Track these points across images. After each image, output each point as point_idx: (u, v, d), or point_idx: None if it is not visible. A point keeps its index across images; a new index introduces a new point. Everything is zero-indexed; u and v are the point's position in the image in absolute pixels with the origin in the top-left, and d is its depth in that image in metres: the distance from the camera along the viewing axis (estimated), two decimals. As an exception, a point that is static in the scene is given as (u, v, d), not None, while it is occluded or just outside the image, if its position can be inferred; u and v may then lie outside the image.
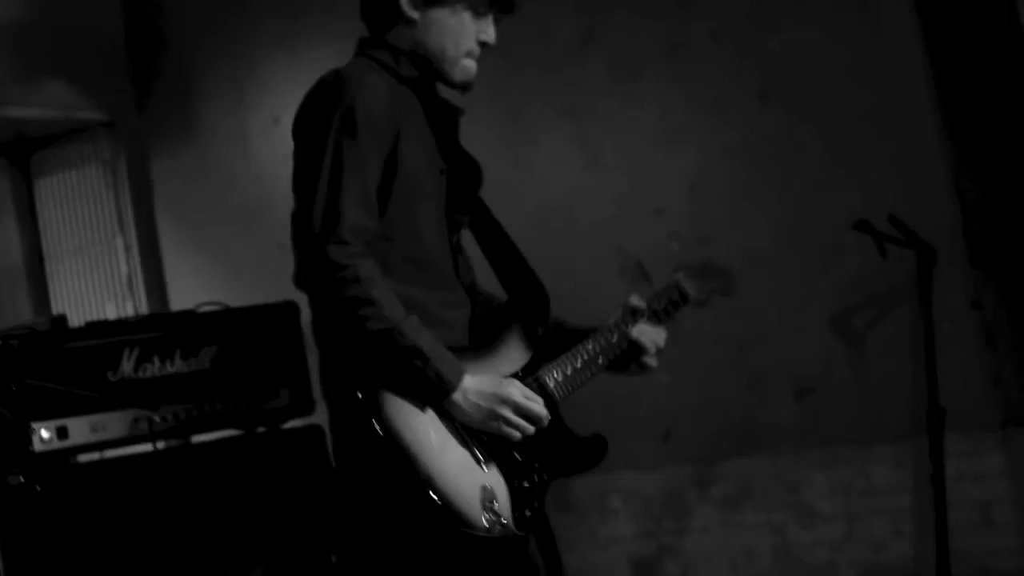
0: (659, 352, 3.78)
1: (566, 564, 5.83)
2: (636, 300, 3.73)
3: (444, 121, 3.55)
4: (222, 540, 5.10)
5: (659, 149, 5.81)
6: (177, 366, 5.28)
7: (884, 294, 5.32)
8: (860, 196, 5.29)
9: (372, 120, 3.27)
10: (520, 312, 3.64)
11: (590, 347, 3.65)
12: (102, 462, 5.56)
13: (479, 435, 3.31)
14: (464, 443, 3.28)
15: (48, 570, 4.94)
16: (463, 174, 3.59)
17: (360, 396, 3.22)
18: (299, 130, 3.38)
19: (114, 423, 5.23)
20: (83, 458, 5.37)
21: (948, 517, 4.87)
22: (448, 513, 3.16)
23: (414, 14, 3.40)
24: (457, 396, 3.26)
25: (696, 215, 5.70)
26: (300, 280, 3.28)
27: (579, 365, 3.60)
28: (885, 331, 5.37)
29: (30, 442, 5.07)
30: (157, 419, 5.32)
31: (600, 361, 3.67)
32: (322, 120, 3.28)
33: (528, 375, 3.47)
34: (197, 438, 5.63)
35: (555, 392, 3.50)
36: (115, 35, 7.20)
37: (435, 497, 3.15)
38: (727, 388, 5.68)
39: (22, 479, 5.08)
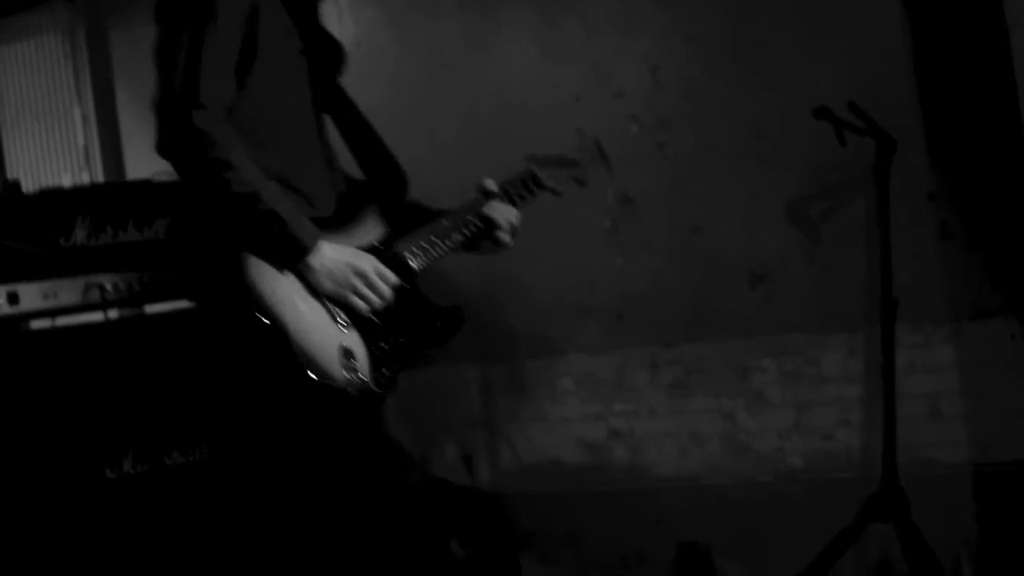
0: (513, 230, 4.06)
1: (515, 444, 5.94)
2: (489, 183, 4.03)
3: (300, 3, 3.75)
4: (171, 414, 5.10)
5: (620, 32, 5.75)
6: (131, 235, 5.23)
7: (841, 183, 5.30)
8: (820, 84, 5.24)
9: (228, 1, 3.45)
10: (378, 191, 3.88)
11: (444, 223, 3.90)
12: (53, 330, 5.55)
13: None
14: (324, 305, 3.52)
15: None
16: (323, 55, 3.82)
17: (225, 261, 3.43)
18: (161, 10, 3.53)
19: (66, 290, 5.18)
20: (35, 325, 5.38)
21: (897, 408, 4.88)
22: (310, 367, 3.39)
23: None
24: (313, 260, 3.48)
25: (656, 100, 5.66)
26: (163, 148, 3.45)
27: (434, 239, 3.85)
28: (841, 221, 5.35)
29: (-21, 306, 5.05)
30: (109, 287, 5.30)
31: (455, 236, 3.92)
32: (181, 2, 3.46)
33: (386, 248, 3.72)
34: (150, 309, 5.60)
35: (412, 263, 3.76)
36: None
37: (296, 351, 3.38)
38: (681, 273, 5.67)
39: (-29, 343, 5.07)
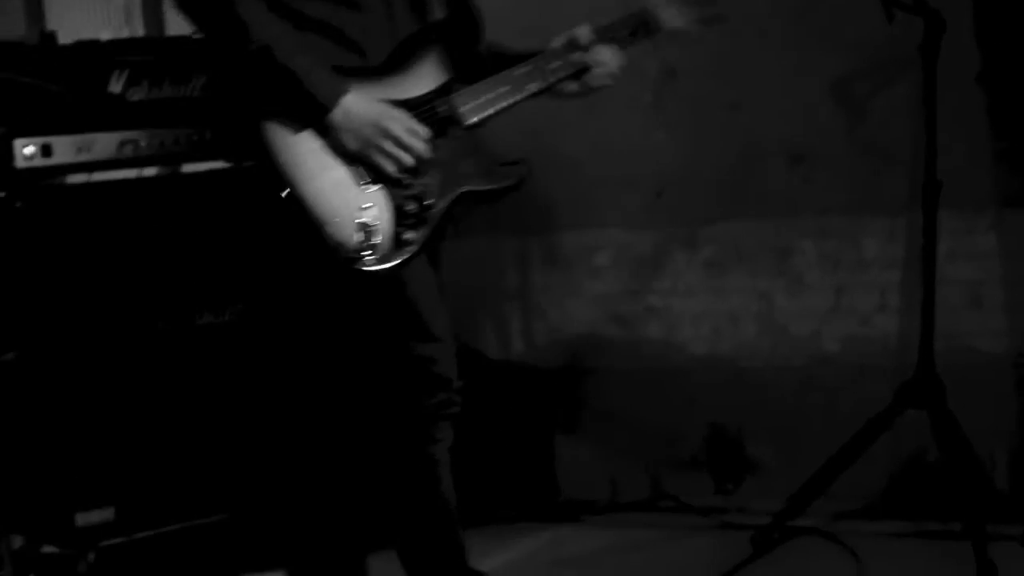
0: (612, 75, 3.81)
1: (550, 318, 5.86)
2: (582, 32, 3.75)
3: None
4: (203, 276, 5.08)
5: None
6: (167, 91, 5.17)
7: (888, 61, 5.16)
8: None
9: None
10: (447, 34, 3.65)
11: (521, 72, 3.68)
12: (87, 185, 5.52)
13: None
14: (347, 166, 3.38)
15: (24, 285, 4.94)
16: None
17: (242, 117, 3.35)
18: None
19: (100, 144, 5.16)
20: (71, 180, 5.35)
21: (936, 295, 4.78)
22: (323, 233, 3.31)
23: None
24: (337, 117, 3.33)
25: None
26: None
27: (501, 89, 3.63)
28: (886, 101, 5.23)
29: (12, 158, 5.02)
30: (144, 144, 5.26)
31: (529, 87, 3.69)
32: None
33: (440, 97, 3.53)
34: (186, 168, 5.56)
35: (465, 115, 3.57)
36: None
37: (310, 215, 3.30)
38: (721, 150, 5.55)
39: (3, 195, 5.04)
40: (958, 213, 5.07)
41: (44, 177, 5.09)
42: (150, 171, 5.28)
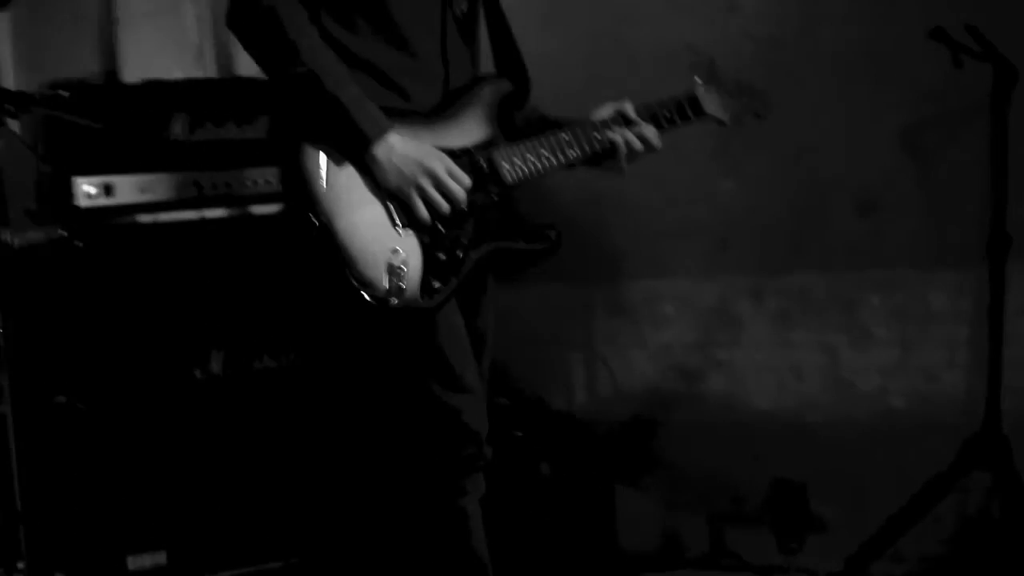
0: (634, 153, 3.78)
1: (614, 369, 5.80)
2: (628, 108, 3.74)
3: None
4: (262, 320, 5.05)
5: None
6: (231, 132, 5.16)
7: (958, 110, 5.04)
8: (939, 4, 4.95)
9: None
10: (497, 90, 3.65)
11: (561, 136, 3.64)
12: (148, 225, 5.52)
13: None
14: (384, 204, 3.34)
15: (82, 326, 4.93)
16: None
17: (285, 143, 3.34)
18: None
19: (163, 185, 5.16)
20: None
21: (1005, 352, 4.69)
22: (351, 270, 3.28)
23: None
24: (379, 152, 3.30)
25: (769, 14, 5.40)
26: (230, 19, 3.40)
27: (543, 151, 3.61)
28: (957, 150, 5.10)
29: (73, 196, 5.02)
30: (206, 185, 5.25)
31: (570, 153, 3.66)
32: None
33: (483, 152, 3.52)
34: (250, 210, 5.54)
35: (506, 174, 3.54)
36: None
37: (339, 253, 3.27)
38: (789, 199, 5.45)
39: (63, 233, 5.05)
40: (1028, 267, 4.94)
41: (105, 217, 5.10)
42: (212, 212, 5.29)
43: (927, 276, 5.23)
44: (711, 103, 3.90)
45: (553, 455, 5.41)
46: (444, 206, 3.38)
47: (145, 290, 4.98)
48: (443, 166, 3.38)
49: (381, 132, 3.33)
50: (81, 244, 4.94)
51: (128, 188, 5.05)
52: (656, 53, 5.37)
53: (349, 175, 3.32)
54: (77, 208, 4.98)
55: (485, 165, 3.53)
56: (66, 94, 4.99)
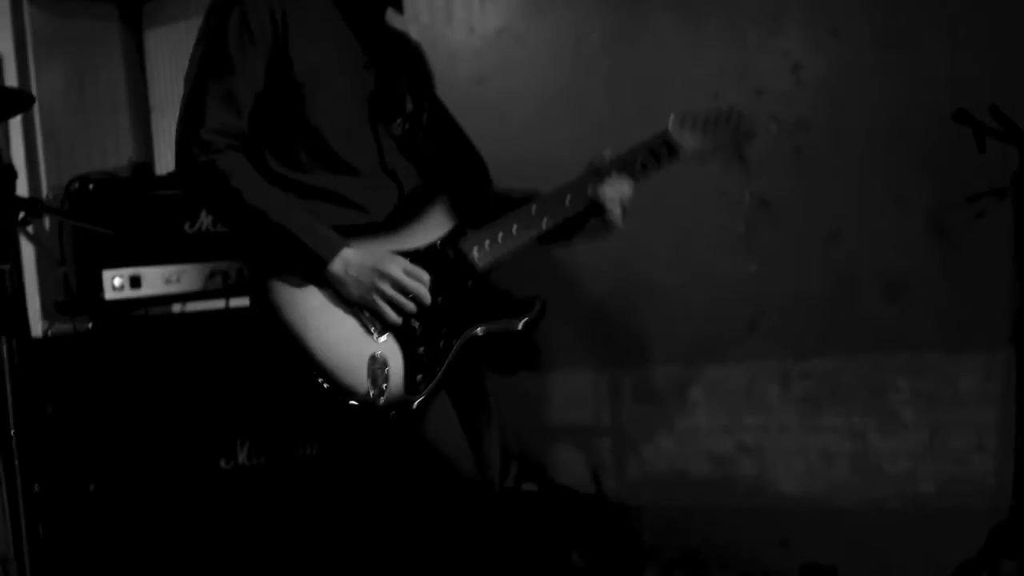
0: (623, 206, 3.70)
1: (641, 453, 5.76)
2: (598, 158, 3.72)
3: (367, 16, 3.71)
4: (282, 408, 5.05)
5: (762, 27, 5.52)
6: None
7: (985, 192, 4.98)
8: (964, 85, 4.96)
9: (247, 29, 3.45)
10: (453, 185, 3.72)
11: (531, 210, 3.66)
12: (175, 316, 5.54)
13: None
14: (355, 314, 3.43)
15: (109, 415, 4.95)
16: (391, 61, 3.74)
17: (250, 280, 3.48)
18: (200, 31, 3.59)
19: (189, 276, 5.19)
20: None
21: (1032, 436, 4.62)
22: (334, 383, 3.33)
23: None
24: (337, 268, 3.40)
25: (796, 98, 5.39)
26: (178, 177, 3.52)
27: (513, 228, 3.64)
28: (984, 232, 5.04)
29: (101, 288, 5.06)
30: (232, 275, 5.28)
31: (543, 222, 3.66)
32: (204, 28, 3.55)
33: (448, 244, 3.60)
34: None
35: (476, 260, 3.61)
36: None
37: (318, 372, 3.33)
38: (816, 282, 5.42)
39: (91, 326, 5.08)
40: (1056, 349, 4.86)
41: (132, 308, 5.14)
42: (237, 302, 5.32)
43: (955, 359, 5.18)
44: (687, 138, 3.77)
45: (582, 541, 5.39)
46: (408, 305, 3.45)
47: (172, 379, 5.01)
48: (398, 266, 3.45)
49: (334, 250, 3.42)
50: (107, 335, 4.98)
51: (155, 279, 5.10)
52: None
53: (315, 297, 3.41)
54: (103, 300, 5.03)
55: (452, 255, 3.61)
56: (92, 187, 5.05)
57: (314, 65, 3.52)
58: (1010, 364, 4.79)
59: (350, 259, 3.41)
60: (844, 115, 5.30)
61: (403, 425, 3.40)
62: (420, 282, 3.46)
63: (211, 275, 5.25)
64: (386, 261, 3.43)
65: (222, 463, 5.07)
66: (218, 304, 5.34)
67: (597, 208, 3.68)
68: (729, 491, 5.66)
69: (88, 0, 7.13)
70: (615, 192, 3.66)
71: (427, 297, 3.46)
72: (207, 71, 3.46)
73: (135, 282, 5.13)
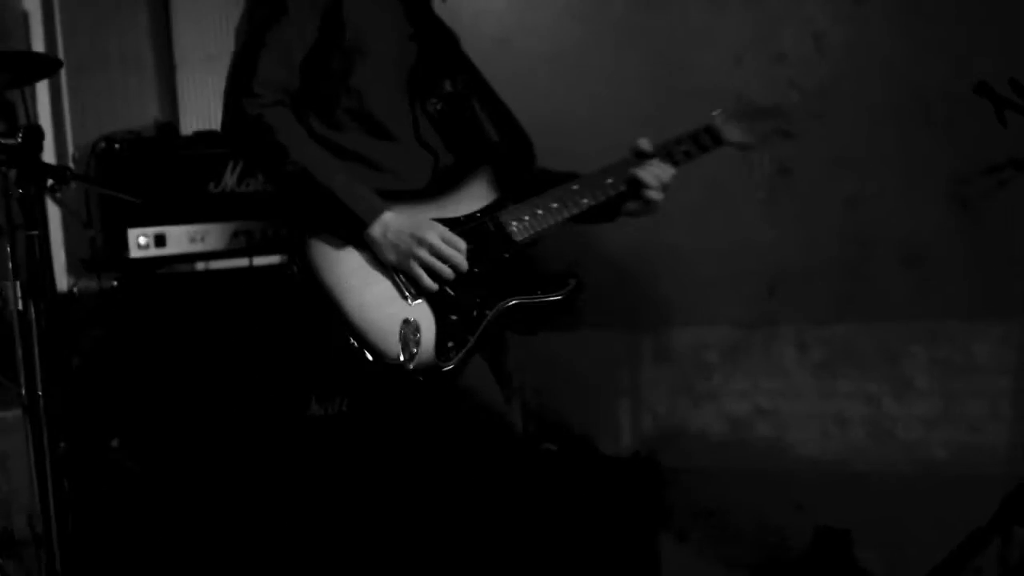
0: (664, 188, 3.77)
1: (659, 414, 5.82)
2: (644, 143, 3.76)
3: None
4: (306, 364, 5.11)
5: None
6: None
7: (1005, 163, 5.01)
8: (988, 57, 4.96)
9: None
10: (497, 156, 3.77)
11: (572, 188, 3.71)
12: (199, 273, 5.60)
13: None
14: (392, 279, 3.48)
15: (134, 372, 5.02)
16: (433, 40, 3.78)
17: (289, 238, 3.51)
18: None
19: (213, 235, 5.25)
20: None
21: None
22: (365, 344, 3.37)
23: None
24: (376, 232, 3.44)
25: (818, 65, 5.39)
26: (224, 130, 3.57)
27: (552, 204, 3.68)
28: (1004, 202, 5.07)
29: (127, 247, 5.12)
30: (256, 234, 5.34)
31: (583, 200, 3.72)
32: None
33: (488, 215, 3.65)
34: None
35: (514, 231, 3.65)
36: None
37: (351, 333, 3.38)
38: (834, 249, 5.44)
39: (116, 283, 5.14)
40: (1075, 317, 4.91)
41: (157, 266, 5.20)
42: (262, 260, 5.37)
43: (971, 327, 5.22)
44: (732, 131, 3.85)
45: (600, 498, 5.44)
46: (445, 271, 3.48)
47: (197, 335, 5.08)
48: (436, 234, 3.48)
49: (375, 213, 3.46)
50: (133, 293, 5.05)
51: (180, 238, 5.17)
52: (704, 103, 5.41)
53: (352, 259, 3.46)
54: (129, 259, 5.09)
55: (492, 226, 3.64)
56: (118, 147, 5.10)
57: (364, 30, 3.55)
58: (1025, 333, 4.85)
59: (389, 223, 3.44)
60: (865, 84, 5.30)
61: (432, 389, 3.45)
62: (457, 250, 3.49)
63: (235, 234, 5.31)
64: (424, 227, 3.46)
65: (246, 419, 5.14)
66: (242, 263, 5.41)
67: (637, 189, 3.73)
68: (745, 454, 5.69)
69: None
70: (655, 175, 3.72)
71: (463, 265, 3.49)
72: (262, 23, 3.49)
73: (160, 241, 5.19)
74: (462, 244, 3.51)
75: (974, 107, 4.68)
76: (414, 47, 3.71)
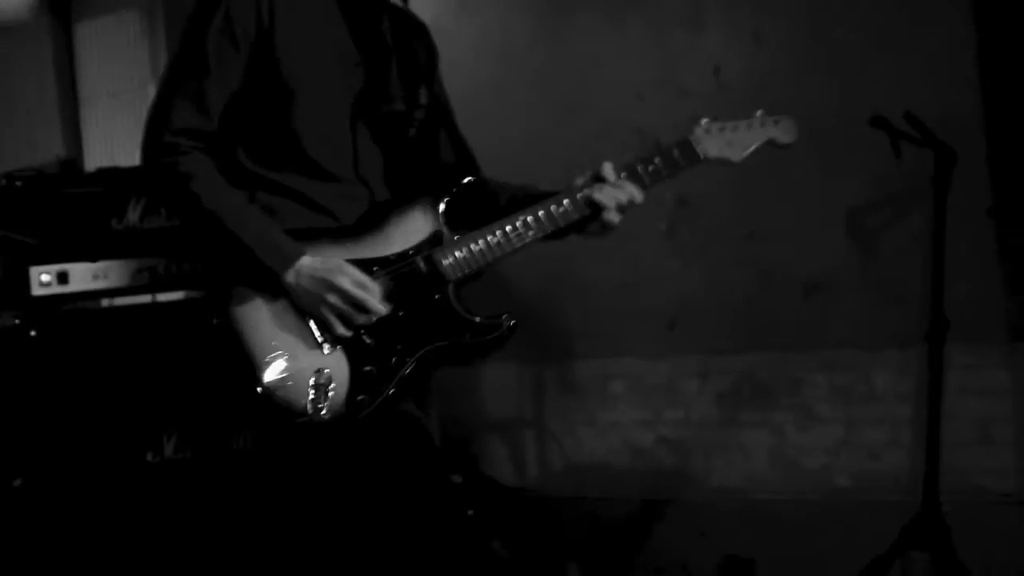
0: (622, 209, 3.55)
1: (564, 446, 5.82)
2: (608, 169, 3.55)
3: (364, 13, 3.58)
4: (210, 399, 5.09)
5: (686, 29, 5.63)
6: (183, 218, 5.24)
7: (902, 194, 5.13)
8: (882, 91, 5.08)
9: (228, 27, 3.39)
10: (441, 185, 3.58)
11: (522, 218, 3.51)
12: (100, 310, 5.56)
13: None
14: (307, 324, 3.34)
15: (35, 410, 4.98)
16: (385, 57, 3.62)
17: (207, 286, 3.38)
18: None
19: (116, 272, 5.22)
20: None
21: (946, 431, 4.70)
22: (276, 400, 3.27)
23: None
24: (290, 279, 3.32)
25: (719, 101, 5.48)
26: (141, 176, 3.46)
27: (496, 238, 3.49)
28: (900, 233, 5.20)
29: (28, 285, 5.09)
30: (160, 270, 5.32)
31: (529, 233, 3.51)
32: (189, 19, 3.44)
33: (425, 250, 3.46)
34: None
35: (448, 270, 3.45)
36: None
37: (258, 386, 3.27)
38: (735, 280, 5.53)
39: (17, 322, 5.11)
40: (968, 347, 5.01)
41: (59, 304, 5.16)
42: (165, 296, 5.36)
43: (871, 356, 5.32)
44: (713, 143, 3.72)
45: (505, 532, 5.45)
46: (357, 318, 3.35)
47: (97, 372, 5.04)
48: (348, 278, 3.35)
49: (287, 261, 3.35)
50: (34, 332, 5.01)
51: (82, 275, 5.12)
52: (606, 137, 5.47)
53: (271, 305, 3.35)
54: (31, 296, 5.06)
55: (423, 264, 3.47)
56: (19, 184, 5.08)
57: (300, 67, 3.46)
58: (924, 361, 4.89)
59: (302, 268, 3.33)
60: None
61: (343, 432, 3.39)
62: (369, 294, 3.35)
63: (139, 271, 5.29)
64: (335, 272, 3.34)
65: (148, 456, 5.12)
66: (145, 299, 5.38)
67: (595, 212, 3.56)
68: (650, 483, 5.75)
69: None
70: (613, 196, 3.54)
71: (378, 310, 3.36)
72: (180, 70, 3.41)
73: (63, 278, 5.15)
74: (375, 288, 3.37)
75: (873, 140, 4.79)
76: (360, 73, 3.57)
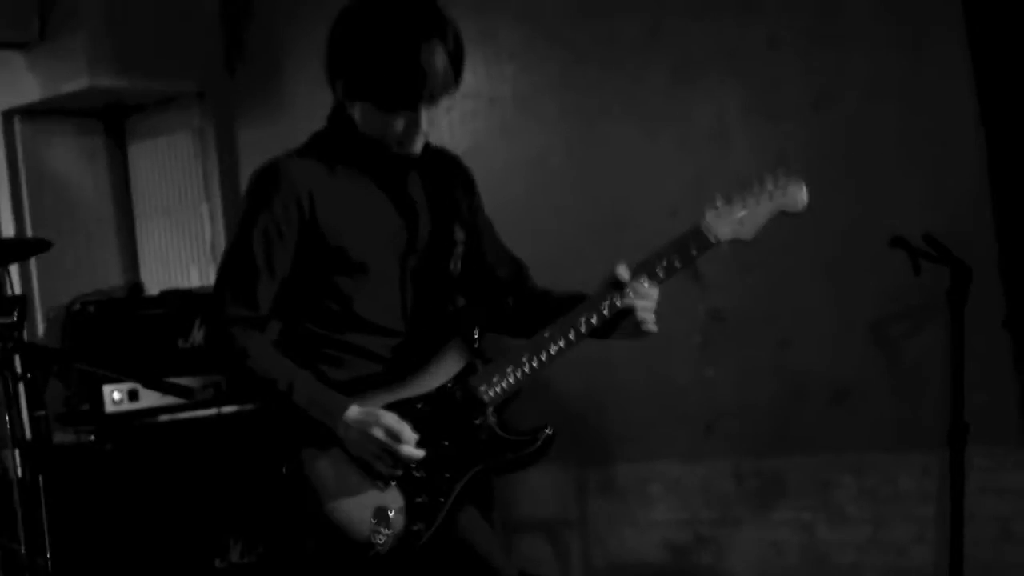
0: (654, 312, 3.62)
1: (607, 546, 6.01)
2: (622, 271, 3.61)
3: (393, 175, 3.73)
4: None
5: (716, 145, 5.92)
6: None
7: (921, 306, 5.42)
8: (902, 208, 5.41)
9: (275, 230, 3.59)
10: (464, 322, 3.81)
11: (542, 336, 3.65)
12: (170, 423, 5.85)
13: None
14: (361, 468, 3.59)
15: (112, 522, 5.27)
16: (418, 220, 3.75)
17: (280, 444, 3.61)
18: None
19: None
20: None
21: (968, 529, 4.99)
22: (344, 539, 3.52)
23: (350, 104, 3.67)
24: (340, 432, 3.56)
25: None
26: (206, 342, 3.77)
27: (524, 363, 3.64)
28: (921, 342, 5.48)
29: (102, 403, 5.39)
30: (223, 385, 5.60)
31: (553, 349, 3.63)
32: (240, 218, 3.65)
33: (458, 383, 3.66)
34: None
35: (483, 395, 3.63)
36: (209, 5, 7.40)
37: (329, 528, 3.53)
38: (767, 387, 5.82)
39: (93, 438, 5.41)
40: (987, 450, 5.26)
41: (131, 420, 5.47)
42: (229, 408, 5.65)
43: (896, 459, 5.59)
44: (724, 226, 3.63)
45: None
46: (400, 459, 3.55)
47: (168, 485, 5.33)
48: (380, 429, 3.55)
49: (334, 418, 3.56)
50: (109, 446, 5.31)
51: (151, 392, 5.38)
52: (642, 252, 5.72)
53: (332, 453, 3.58)
54: (104, 414, 5.36)
55: (460, 395, 3.67)
56: (92, 309, 5.39)
57: (347, 243, 3.63)
58: (945, 463, 5.13)
59: (348, 421, 3.54)
60: (793, 232, 5.52)
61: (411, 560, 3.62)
62: (400, 440, 3.54)
63: (203, 387, 5.59)
64: (371, 424, 3.54)
65: (216, 563, 5.40)
66: (210, 412, 5.68)
67: (625, 312, 3.62)
68: (688, 579, 6.06)
69: (74, 116, 7.51)
70: (640, 300, 3.59)
71: (409, 457, 3.56)
72: (231, 267, 3.62)
73: (133, 395, 5.46)
74: (407, 431, 3.57)
75: (893, 257, 5.09)
76: (403, 234, 3.74)
